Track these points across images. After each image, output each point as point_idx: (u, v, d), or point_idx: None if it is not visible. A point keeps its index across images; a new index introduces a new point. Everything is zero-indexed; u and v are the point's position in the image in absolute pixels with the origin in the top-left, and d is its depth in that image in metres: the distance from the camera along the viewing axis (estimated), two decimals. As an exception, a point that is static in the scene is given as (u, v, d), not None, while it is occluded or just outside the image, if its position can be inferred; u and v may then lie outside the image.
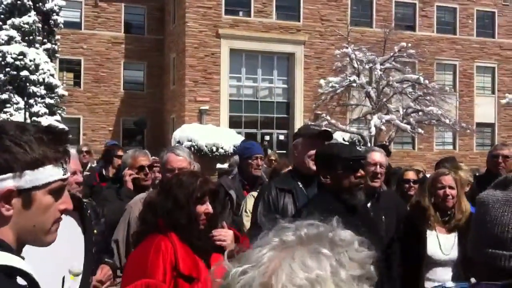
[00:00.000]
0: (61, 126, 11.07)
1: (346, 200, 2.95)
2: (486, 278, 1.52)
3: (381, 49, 22.34)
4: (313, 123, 17.10)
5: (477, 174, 6.76)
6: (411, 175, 5.18)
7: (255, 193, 4.25)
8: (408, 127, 20.53)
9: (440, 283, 3.58)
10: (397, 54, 21.67)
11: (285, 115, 27.65)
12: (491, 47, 30.96)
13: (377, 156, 3.98)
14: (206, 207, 2.58)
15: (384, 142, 20.85)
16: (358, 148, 4.01)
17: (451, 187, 3.68)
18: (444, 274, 3.62)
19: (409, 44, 22.13)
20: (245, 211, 4.32)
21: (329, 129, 20.17)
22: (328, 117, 20.58)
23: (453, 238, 3.64)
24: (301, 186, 3.54)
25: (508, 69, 30.81)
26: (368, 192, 3.73)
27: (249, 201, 4.30)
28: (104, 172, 6.43)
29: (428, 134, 24.11)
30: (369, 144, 20.21)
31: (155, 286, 2.33)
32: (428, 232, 3.67)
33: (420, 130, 21.33)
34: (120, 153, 6.36)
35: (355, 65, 21.33)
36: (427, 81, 21.64)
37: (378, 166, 3.90)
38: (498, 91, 30.48)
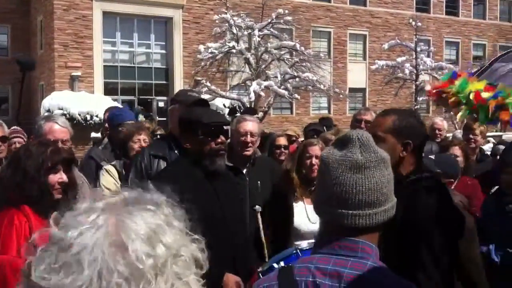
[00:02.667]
0: None
1: (206, 166, 2.92)
2: (329, 234, 1.57)
3: (260, 16, 22.36)
4: (192, 89, 16.72)
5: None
6: (282, 140, 5.26)
7: (109, 167, 4.15)
8: (286, 92, 20.89)
9: None
10: (274, 21, 21.81)
11: (164, 82, 26.95)
12: (363, 15, 32.33)
13: (248, 125, 3.88)
14: (59, 176, 2.54)
15: (264, 108, 21.15)
16: (220, 113, 3.91)
17: (317, 157, 3.60)
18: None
19: (286, 11, 22.32)
20: (100, 186, 4.12)
21: (208, 96, 20.05)
22: (208, 83, 20.34)
23: None
24: (176, 152, 3.48)
25: (378, 36, 32.42)
26: (242, 159, 3.83)
27: (103, 176, 4.15)
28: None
29: (304, 99, 24.77)
30: (248, 110, 20.34)
31: (8, 262, 2.25)
32: (296, 204, 3.64)
33: (297, 96, 21.81)
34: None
35: (234, 31, 21.14)
36: (303, 48, 22.06)
37: (249, 135, 3.83)
38: (369, 57, 32.03)
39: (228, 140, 3.41)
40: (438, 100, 2.78)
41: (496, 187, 3.92)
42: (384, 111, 2.56)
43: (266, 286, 1.57)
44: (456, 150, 4.05)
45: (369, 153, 1.56)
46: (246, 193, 3.69)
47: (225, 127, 3.07)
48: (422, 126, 2.52)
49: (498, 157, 4.64)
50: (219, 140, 2.93)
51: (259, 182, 3.83)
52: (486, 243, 3.58)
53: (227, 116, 14.60)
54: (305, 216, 3.59)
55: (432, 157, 3.79)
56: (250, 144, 3.84)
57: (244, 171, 3.83)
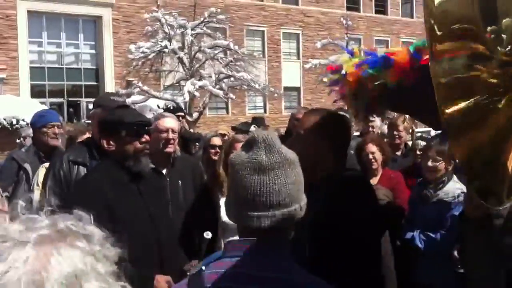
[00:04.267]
0: None
1: (130, 167, 2.89)
2: (241, 235, 1.60)
3: (192, 14, 22.11)
4: (115, 93, 16.34)
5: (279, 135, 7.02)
6: (216, 141, 5.33)
7: (48, 164, 3.94)
8: (221, 92, 20.78)
9: None
10: (207, 20, 21.63)
11: (94, 83, 26.17)
12: (296, 14, 32.68)
13: (168, 122, 3.80)
14: None
15: (199, 108, 20.94)
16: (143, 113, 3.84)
17: None
18: None
19: (219, 10, 22.21)
20: (37, 184, 4.06)
21: (141, 97, 19.59)
22: (141, 84, 19.91)
23: None
24: (98, 158, 3.36)
25: (310, 35, 32.86)
26: (162, 160, 3.75)
27: (41, 173, 4.03)
28: None
29: (240, 99, 24.74)
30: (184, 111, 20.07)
31: None
32: (223, 199, 3.57)
33: (232, 95, 21.75)
34: None
35: (166, 30, 20.80)
36: (237, 47, 22.03)
37: (170, 132, 3.74)
38: (303, 56, 32.41)
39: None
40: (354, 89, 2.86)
41: (421, 178, 4.09)
42: (308, 111, 2.65)
43: None
44: (371, 147, 4.15)
45: (273, 155, 1.57)
46: (167, 194, 3.66)
47: (147, 127, 3.05)
48: (346, 125, 2.57)
49: (417, 151, 4.81)
50: (143, 140, 2.91)
51: (180, 182, 3.78)
52: (411, 230, 3.74)
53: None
54: None
55: (352, 151, 3.85)
56: (172, 141, 3.76)
57: (164, 171, 3.78)
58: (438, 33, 1.48)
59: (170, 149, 3.75)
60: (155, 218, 2.93)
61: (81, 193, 2.83)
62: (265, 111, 30.44)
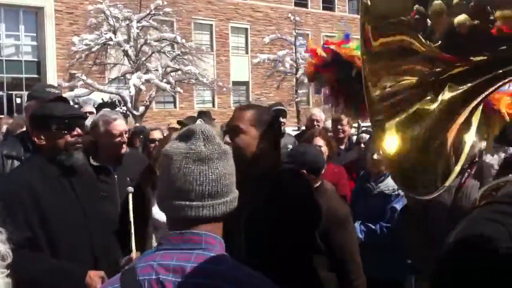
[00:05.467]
0: None
1: (61, 161, 2.83)
2: (173, 229, 1.58)
3: (138, 7, 21.70)
4: (51, 84, 15.85)
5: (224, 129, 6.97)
6: (156, 134, 5.36)
7: None
8: (168, 86, 20.59)
9: None
10: (153, 12, 21.30)
11: (36, 75, 25.32)
12: (244, 9, 32.65)
13: (120, 125, 3.74)
14: None
15: (145, 102, 20.59)
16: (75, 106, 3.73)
17: None
18: None
19: (165, 2, 21.89)
20: None
21: (84, 90, 19.09)
22: (84, 77, 19.42)
23: None
24: (33, 151, 3.22)
25: (259, 30, 32.92)
26: (111, 158, 3.73)
27: None
28: None
29: (188, 93, 24.53)
30: (129, 104, 19.70)
31: None
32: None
33: (179, 89, 21.55)
34: None
35: (111, 22, 20.34)
36: (184, 40, 21.81)
37: (124, 135, 3.73)
38: (251, 51, 32.44)
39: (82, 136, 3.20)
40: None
41: (364, 171, 4.19)
42: (244, 106, 2.64)
43: None
44: (319, 140, 4.15)
45: (212, 145, 1.59)
46: (116, 192, 3.63)
47: (79, 120, 2.99)
48: (278, 121, 2.59)
49: (362, 145, 4.89)
50: (75, 133, 2.86)
51: (128, 178, 3.70)
52: (354, 220, 3.72)
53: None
54: None
55: (290, 147, 3.85)
56: (124, 143, 3.76)
57: (112, 169, 3.76)
58: (370, 27, 1.44)
59: (123, 149, 3.75)
60: (88, 213, 2.89)
61: (5, 188, 2.74)
62: (213, 106, 30.30)
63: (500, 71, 1.20)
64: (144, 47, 20.90)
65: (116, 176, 3.73)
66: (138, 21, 20.75)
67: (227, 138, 2.42)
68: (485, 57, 1.21)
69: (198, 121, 7.69)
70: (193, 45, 23.09)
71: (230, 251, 1.59)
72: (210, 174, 1.56)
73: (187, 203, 1.54)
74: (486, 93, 1.31)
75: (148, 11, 21.24)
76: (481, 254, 1.09)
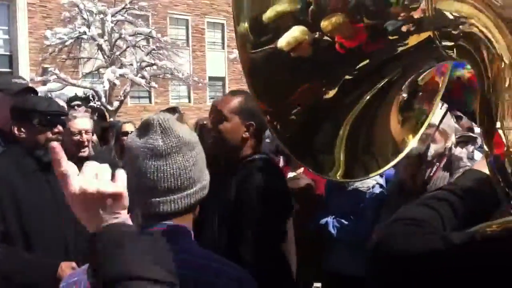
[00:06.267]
0: None
1: (40, 156, 2.83)
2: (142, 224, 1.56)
3: (112, 0, 21.44)
4: (18, 76, 15.61)
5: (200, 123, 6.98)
6: (128, 127, 5.38)
7: None
8: (143, 81, 20.41)
9: None
10: (128, 6, 21.08)
11: (8, 69, 24.73)
12: (220, 4, 32.50)
13: (80, 123, 3.65)
14: None
15: (119, 97, 20.39)
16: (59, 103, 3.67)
17: None
18: None
19: (141, -3, 21.70)
20: None
21: (58, 84, 18.83)
22: (57, 71, 19.13)
23: None
24: (3, 144, 3.23)
25: (235, 25, 32.80)
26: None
27: None
28: None
29: (163, 88, 24.36)
30: (103, 99, 19.49)
31: None
32: None
33: (154, 84, 21.38)
34: None
35: (85, 16, 20.07)
36: (159, 35, 21.64)
37: (83, 134, 3.62)
38: (228, 46, 32.34)
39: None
40: None
41: None
42: (233, 92, 2.64)
43: (74, 281, 1.53)
44: None
45: (170, 138, 1.53)
46: None
47: (62, 117, 3.02)
48: None
49: None
50: (56, 130, 2.87)
51: None
52: (326, 216, 3.77)
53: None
54: None
55: (268, 140, 3.85)
56: (85, 143, 3.64)
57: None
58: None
59: (84, 153, 3.63)
60: (63, 208, 2.80)
61: None
62: (189, 101, 30.16)
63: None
64: (118, 42, 20.69)
65: None
66: (113, 15, 20.50)
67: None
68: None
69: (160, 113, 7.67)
70: (169, 40, 22.90)
71: (205, 238, 1.58)
72: (169, 169, 1.51)
73: (150, 199, 1.51)
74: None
75: (123, 5, 20.99)
76: (410, 238, 1.11)
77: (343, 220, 3.71)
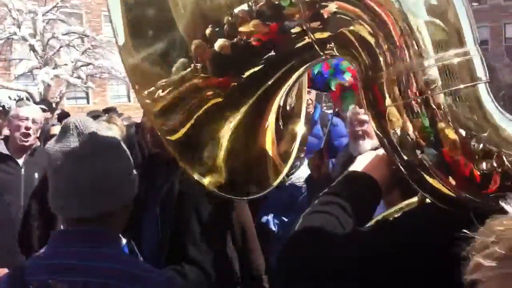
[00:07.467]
0: None
1: None
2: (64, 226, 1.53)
3: (43, -1, 20.79)
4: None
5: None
6: (55, 130, 5.10)
7: None
8: (79, 81, 19.91)
9: None
10: (60, 5, 20.46)
11: None
12: None
13: (26, 111, 3.70)
14: None
15: (55, 98, 19.78)
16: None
17: None
18: None
19: (73, -6, 21.12)
20: None
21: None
22: (-13, 74, 18.38)
23: None
24: None
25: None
26: (20, 148, 3.70)
27: None
28: None
29: (101, 87, 23.82)
30: (38, 101, 18.87)
31: None
32: None
33: (91, 84, 20.88)
34: None
35: (15, 16, 19.32)
36: (94, 34, 21.13)
37: (30, 121, 3.69)
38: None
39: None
40: None
41: None
42: None
43: None
44: None
45: (86, 141, 1.48)
46: (19, 183, 3.59)
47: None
48: None
49: None
50: None
51: (36, 174, 3.64)
52: (266, 214, 3.76)
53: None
54: None
55: None
56: (30, 133, 3.69)
57: (21, 161, 3.69)
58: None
59: (25, 142, 3.67)
60: None
61: None
62: (129, 100, 29.62)
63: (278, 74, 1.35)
64: (51, 41, 20.06)
65: (23, 169, 3.66)
66: (44, 14, 19.85)
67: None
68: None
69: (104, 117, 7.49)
70: (104, 39, 22.41)
71: (147, 236, 1.54)
72: (85, 173, 1.45)
73: (69, 204, 1.47)
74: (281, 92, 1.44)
75: (54, 4, 20.36)
76: (314, 248, 1.16)
77: (283, 218, 3.70)
